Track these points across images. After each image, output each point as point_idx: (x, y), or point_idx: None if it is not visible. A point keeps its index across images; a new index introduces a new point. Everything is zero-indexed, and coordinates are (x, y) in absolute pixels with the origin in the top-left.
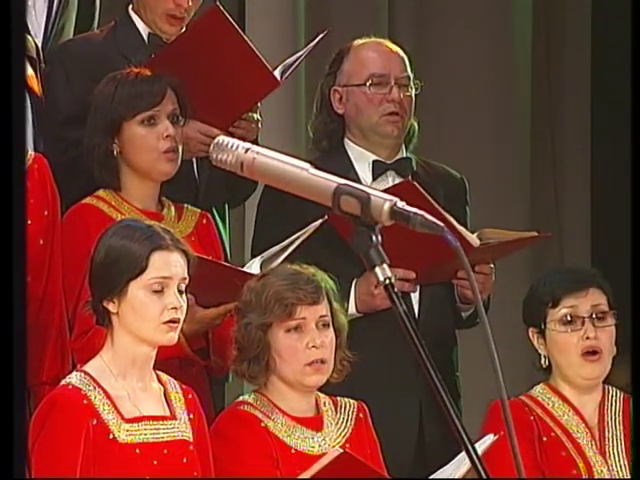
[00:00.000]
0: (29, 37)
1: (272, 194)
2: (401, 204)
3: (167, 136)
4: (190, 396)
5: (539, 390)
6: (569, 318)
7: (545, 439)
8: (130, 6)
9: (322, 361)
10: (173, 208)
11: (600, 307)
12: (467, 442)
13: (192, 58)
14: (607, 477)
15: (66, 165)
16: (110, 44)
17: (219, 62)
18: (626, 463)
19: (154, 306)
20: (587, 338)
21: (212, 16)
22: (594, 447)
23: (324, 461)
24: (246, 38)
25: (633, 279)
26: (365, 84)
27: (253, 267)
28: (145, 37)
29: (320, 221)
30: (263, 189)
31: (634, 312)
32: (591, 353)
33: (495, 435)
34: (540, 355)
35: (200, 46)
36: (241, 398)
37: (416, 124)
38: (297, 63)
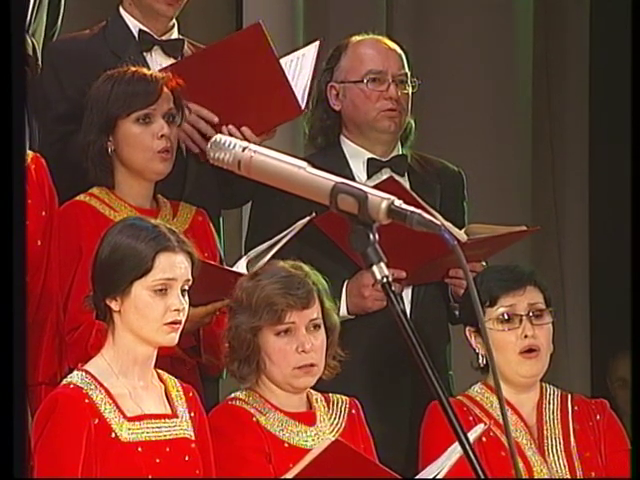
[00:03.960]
0: (26, 37)
1: (267, 193)
2: (398, 203)
3: (162, 135)
4: (191, 394)
5: (477, 390)
6: (507, 317)
7: (484, 439)
8: (121, 5)
9: (312, 365)
10: (169, 205)
11: (537, 305)
12: (466, 441)
13: (221, 68)
14: (547, 476)
15: (60, 163)
16: (100, 42)
17: (248, 78)
18: (565, 462)
19: (157, 307)
20: (525, 336)
21: (253, 31)
22: (533, 446)
23: (316, 451)
24: (280, 61)
25: (633, 279)
26: (362, 80)
27: (240, 266)
28: (135, 34)
29: (307, 219)
30: (257, 188)
31: (634, 312)
32: (529, 351)
33: (485, 425)
34: (477, 354)
35: (233, 59)
36: (233, 394)
37: (413, 122)
38: (309, 84)
